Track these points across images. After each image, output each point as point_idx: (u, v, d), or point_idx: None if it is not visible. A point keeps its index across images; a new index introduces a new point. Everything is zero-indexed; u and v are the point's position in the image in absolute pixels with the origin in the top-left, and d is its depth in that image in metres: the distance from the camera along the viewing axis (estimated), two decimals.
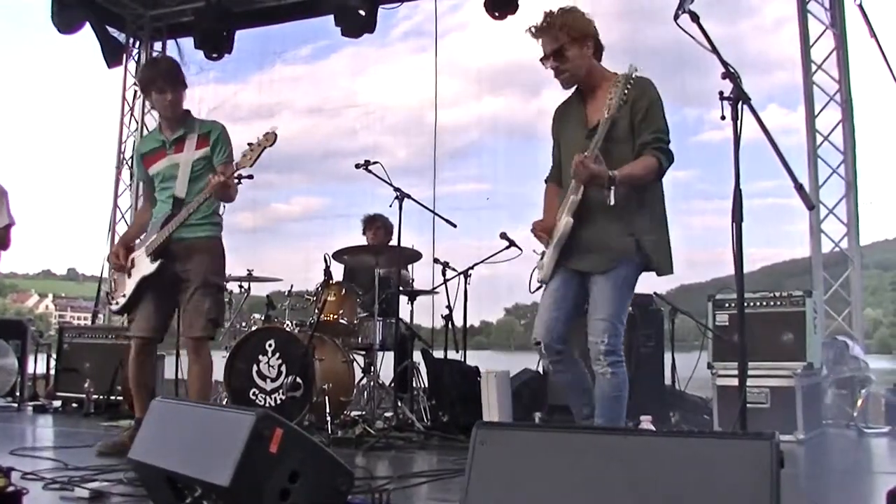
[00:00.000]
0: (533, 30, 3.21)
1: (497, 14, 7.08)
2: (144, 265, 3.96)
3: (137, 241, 4.14)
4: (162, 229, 3.91)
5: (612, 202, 2.95)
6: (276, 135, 3.72)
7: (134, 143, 9.04)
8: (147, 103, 9.10)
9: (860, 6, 4.52)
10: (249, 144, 3.77)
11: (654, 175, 3.11)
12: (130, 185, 9.06)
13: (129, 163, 9.06)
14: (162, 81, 3.97)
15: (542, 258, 3.26)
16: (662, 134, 3.12)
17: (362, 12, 7.40)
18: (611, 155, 3.07)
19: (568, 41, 3.13)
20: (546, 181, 3.49)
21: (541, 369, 5.46)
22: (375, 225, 6.09)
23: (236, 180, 3.81)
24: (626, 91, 3.09)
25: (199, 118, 4.16)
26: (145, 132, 9.07)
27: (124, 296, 4.03)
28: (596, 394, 3.15)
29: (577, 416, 3.34)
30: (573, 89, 3.35)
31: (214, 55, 8.08)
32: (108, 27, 8.55)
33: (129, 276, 4.04)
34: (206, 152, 3.99)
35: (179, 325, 4.13)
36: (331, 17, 7.65)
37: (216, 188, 3.74)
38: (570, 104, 3.38)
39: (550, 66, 3.19)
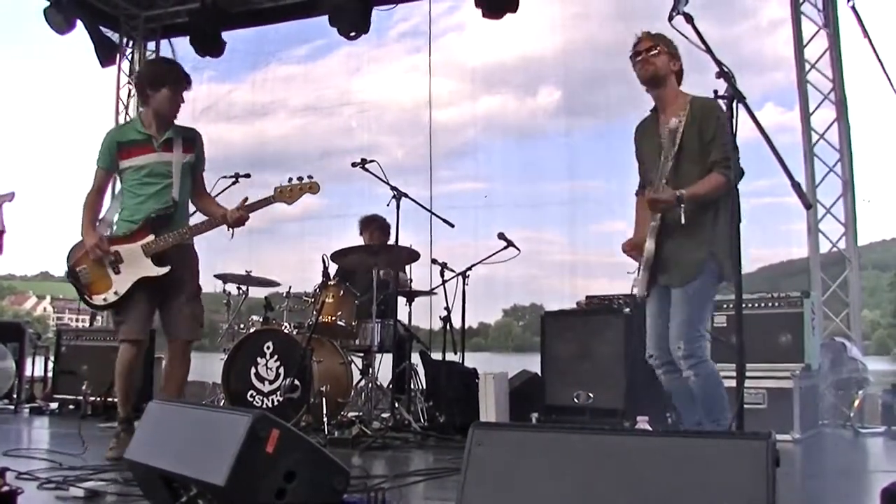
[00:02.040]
0: (643, 32, 3.56)
1: (489, 13, 7.08)
2: (145, 265, 3.90)
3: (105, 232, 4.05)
4: (162, 234, 3.90)
5: (684, 221, 3.18)
6: (319, 186, 3.97)
7: None
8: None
9: (853, 7, 4.53)
10: (290, 184, 3.94)
11: (721, 191, 3.27)
12: None
13: None
14: (180, 79, 4.04)
15: (637, 273, 3.55)
16: (730, 152, 3.27)
17: (356, 13, 7.40)
18: (681, 173, 3.32)
19: (665, 49, 3.47)
20: (636, 194, 3.77)
21: (538, 371, 5.48)
22: (371, 227, 6.05)
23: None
24: (692, 110, 3.35)
25: (179, 124, 4.15)
26: None
27: (116, 293, 3.91)
28: (695, 398, 3.35)
29: (686, 422, 3.51)
30: (651, 111, 3.61)
31: (208, 55, 8.07)
32: (101, 27, 8.54)
33: (118, 271, 3.92)
34: (192, 159, 4.06)
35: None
36: (326, 18, 7.66)
37: (232, 223, 3.93)
38: (648, 122, 3.65)
39: (642, 56, 3.48)
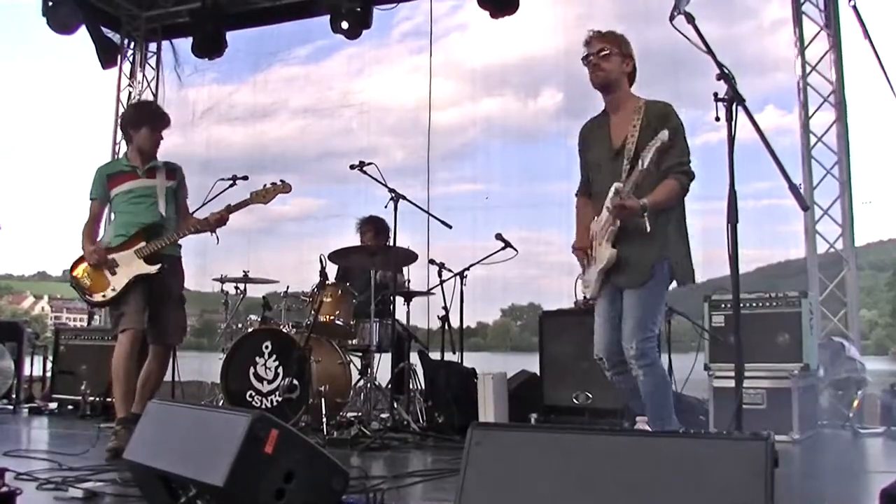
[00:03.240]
0: (593, 31, 3.52)
1: (493, 12, 7.08)
2: (137, 265, 4.22)
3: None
4: (152, 241, 4.23)
5: (649, 229, 3.24)
6: (291, 187, 4.43)
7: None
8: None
9: (854, 7, 4.53)
10: (265, 186, 4.39)
11: (677, 197, 3.41)
12: None
13: None
14: (157, 118, 4.46)
15: (584, 273, 3.62)
16: (685, 157, 3.41)
17: (355, 12, 7.40)
18: (638, 181, 3.32)
19: (616, 50, 3.46)
20: (577, 195, 3.82)
21: (537, 371, 5.48)
22: (368, 228, 6.03)
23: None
24: (647, 115, 3.39)
25: (159, 159, 4.50)
26: None
27: (114, 289, 4.21)
28: (643, 398, 3.41)
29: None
30: (601, 113, 3.62)
31: (209, 56, 8.08)
32: (102, 28, 8.54)
33: (114, 272, 4.22)
34: (174, 185, 4.44)
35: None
36: (327, 18, 7.66)
37: (213, 224, 4.29)
38: (596, 123, 3.65)
39: (592, 60, 3.46)
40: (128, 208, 4.33)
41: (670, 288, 3.53)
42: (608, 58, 3.44)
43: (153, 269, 4.20)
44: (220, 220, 4.31)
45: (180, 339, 4.63)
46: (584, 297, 3.64)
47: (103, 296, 4.24)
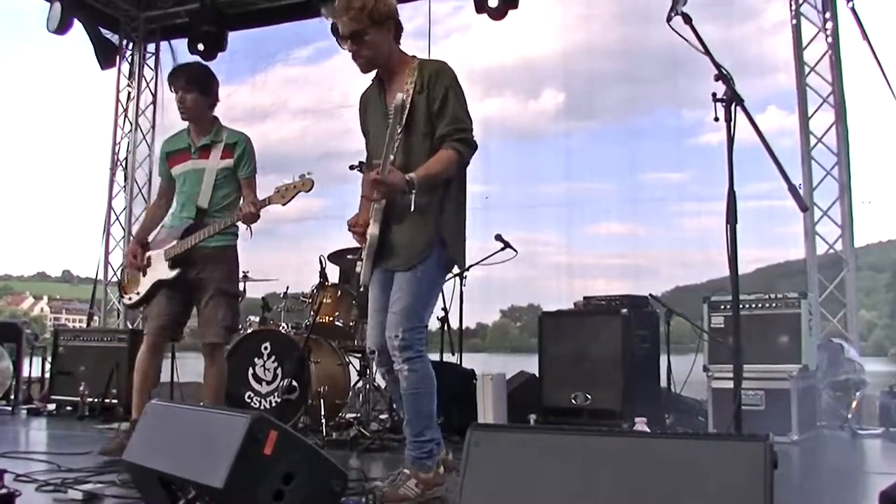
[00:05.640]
0: (331, 10, 3.03)
1: (490, 13, 7.08)
2: (162, 269, 4.03)
3: (150, 236, 4.25)
4: (184, 239, 3.98)
5: (413, 208, 2.85)
6: (313, 182, 3.75)
7: (128, 145, 9.07)
8: (141, 104, 9.14)
9: (853, 9, 4.54)
10: (286, 184, 3.81)
11: (453, 169, 2.99)
12: (125, 186, 9.06)
13: (124, 164, 9.07)
14: (177, 81, 4.07)
15: (362, 255, 3.15)
16: (461, 123, 2.99)
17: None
18: (411, 150, 2.98)
19: (369, 24, 2.94)
20: (360, 170, 3.50)
21: (536, 372, 5.48)
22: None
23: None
24: (420, 76, 2.98)
25: (229, 127, 4.17)
26: (139, 134, 9.10)
27: (138, 293, 4.13)
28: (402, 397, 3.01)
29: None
30: (373, 74, 3.18)
31: (208, 57, 8.07)
32: (101, 29, 8.54)
33: (145, 274, 4.11)
34: (230, 164, 4.04)
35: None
36: (326, 19, 7.65)
37: (246, 218, 3.85)
38: (372, 91, 3.21)
39: (348, 49, 3.01)
40: (178, 197, 4.12)
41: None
42: (363, 39, 2.94)
43: (171, 274, 3.98)
44: (248, 216, 3.86)
45: (220, 336, 4.06)
46: (360, 284, 3.15)
47: (129, 298, 4.19)
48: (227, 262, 4.10)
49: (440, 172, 2.94)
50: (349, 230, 3.20)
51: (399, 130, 2.96)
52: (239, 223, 3.97)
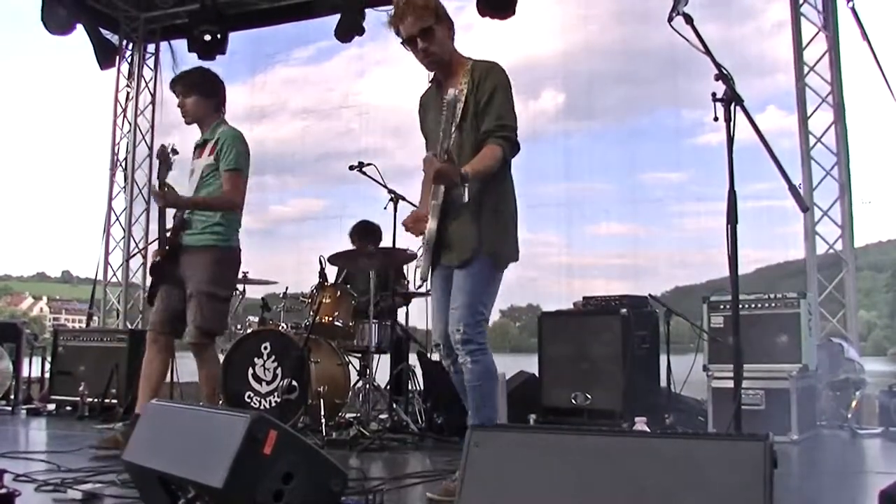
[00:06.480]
0: (392, 12, 3.08)
1: (491, 14, 7.08)
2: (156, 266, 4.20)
3: None
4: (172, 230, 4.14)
5: (466, 199, 2.91)
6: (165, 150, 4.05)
7: (127, 146, 9.08)
8: (140, 104, 9.14)
9: (852, 9, 4.54)
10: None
11: (498, 165, 3.02)
12: (125, 187, 9.06)
13: (123, 165, 9.06)
14: (176, 87, 4.21)
15: (419, 253, 3.23)
16: (505, 120, 3.05)
17: (350, 15, 7.40)
18: (463, 146, 3.05)
19: (435, 20, 3.02)
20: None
21: (536, 372, 5.48)
22: (353, 239, 5.92)
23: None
24: (472, 76, 3.06)
25: (224, 126, 4.19)
26: (139, 135, 9.10)
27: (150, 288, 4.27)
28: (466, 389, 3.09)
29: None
30: (430, 84, 3.30)
31: (208, 57, 8.07)
32: (101, 29, 8.53)
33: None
34: (212, 159, 4.07)
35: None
36: (326, 20, 7.65)
37: (154, 196, 4.09)
38: (430, 93, 3.30)
39: (419, 49, 3.06)
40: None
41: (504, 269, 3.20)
42: (433, 35, 3.01)
43: (158, 256, 4.14)
44: (154, 195, 4.09)
45: (192, 336, 4.03)
46: (420, 279, 3.22)
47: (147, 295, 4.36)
48: (210, 261, 4.04)
49: (487, 168, 2.99)
50: (406, 230, 3.29)
51: (453, 126, 3.01)
52: (235, 221, 4.12)
